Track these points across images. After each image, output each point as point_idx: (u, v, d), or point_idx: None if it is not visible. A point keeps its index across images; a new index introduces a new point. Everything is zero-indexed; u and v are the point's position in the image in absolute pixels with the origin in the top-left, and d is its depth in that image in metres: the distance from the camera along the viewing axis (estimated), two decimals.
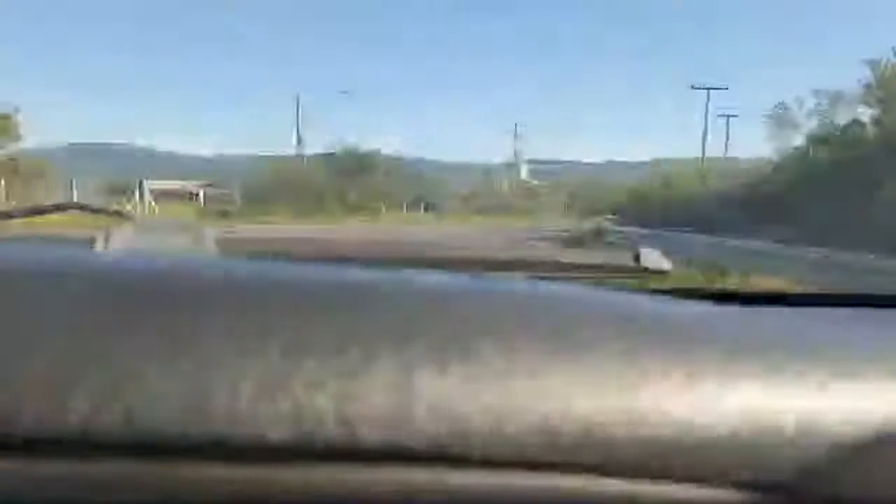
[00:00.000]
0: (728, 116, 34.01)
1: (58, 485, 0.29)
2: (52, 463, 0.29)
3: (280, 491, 0.30)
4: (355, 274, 0.39)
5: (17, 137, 22.60)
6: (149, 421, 0.29)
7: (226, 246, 0.59)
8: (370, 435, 0.30)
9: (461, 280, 0.40)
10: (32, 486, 0.29)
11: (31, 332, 0.30)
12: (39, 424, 0.28)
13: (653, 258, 0.62)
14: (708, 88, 34.55)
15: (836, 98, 18.25)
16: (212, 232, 0.59)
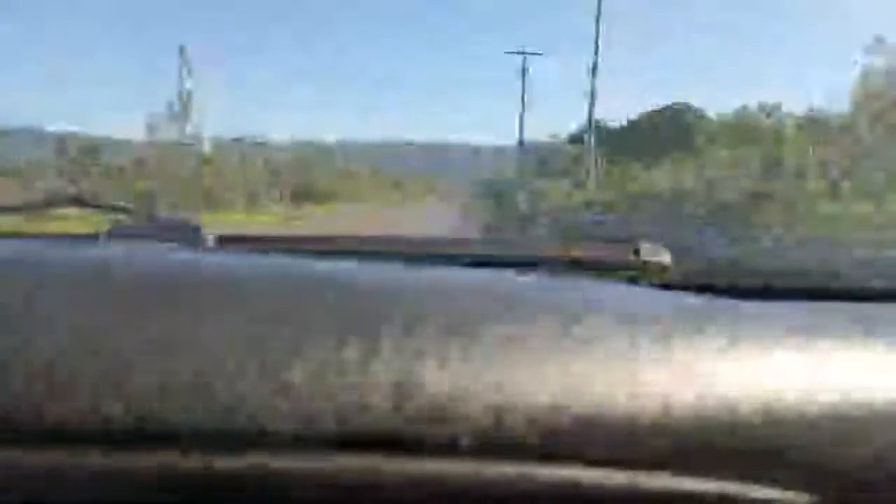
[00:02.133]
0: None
1: (57, 476, 0.29)
2: (51, 455, 0.29)
3: (280, 482, 0.30)
4: (354, 268, 0.39)
5: None
6: (147, 414, 0.29)
7: (224, 241, 0.59)
8: (369, 427, 0.30)
9: (462, 273, 0.40)
10: (31, 477, 0.29)
11: (32, 326, 0.30)
12: (39, 417, 0.29)
13: (653, 251, 0.62)
14: (524, 53, 28.82)
15: None
16: (211, 229, 0.59)
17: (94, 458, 0.29)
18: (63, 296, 0.32)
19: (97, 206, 0.91)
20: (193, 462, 0.29)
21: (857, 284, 0.59)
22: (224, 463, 0.29)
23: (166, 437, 0.29)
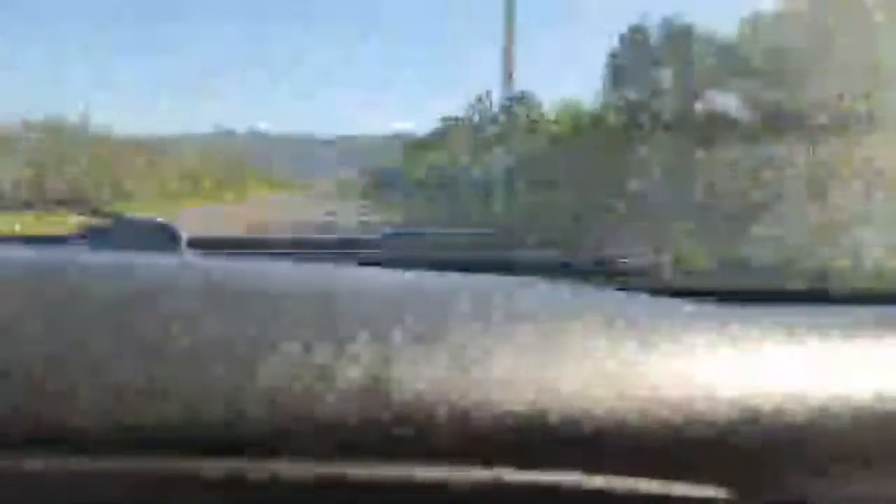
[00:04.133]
0: None
1: (34, 481, 0.29)
2: (29, 461, 0.29)
3: (252, 486, 0.30)
4: (328, 271, 0.39)
5: None
6: (122, 418, 0.29)
7: (199, 244, 0.59)
8: (343, 432, 0.30)
9: (438, 278, 0.40)
10: (9, 484, 0.29)
11: (9, 334, 0.30)
12: (20, 423, 0.28)
13: (637, 257, 0.63)
14: None
15: None
16: (185, 232, 0.59)
17: (70, 464, 0.29)
18: (39, 301, 0.32)
19: (81, 209, 0.91)
20: (165, 465, 0.29)
21: (849, 287, 0.59)
22: (196, 466, 0.29)
23: (137, 441, 0.29)
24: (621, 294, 0.43)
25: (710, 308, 0.41)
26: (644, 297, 0.43)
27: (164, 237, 0.59)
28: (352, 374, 0.30)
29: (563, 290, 0.42)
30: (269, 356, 0.30)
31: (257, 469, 0.29)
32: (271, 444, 0.29)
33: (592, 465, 0.31)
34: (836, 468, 0.35)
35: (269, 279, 0.37)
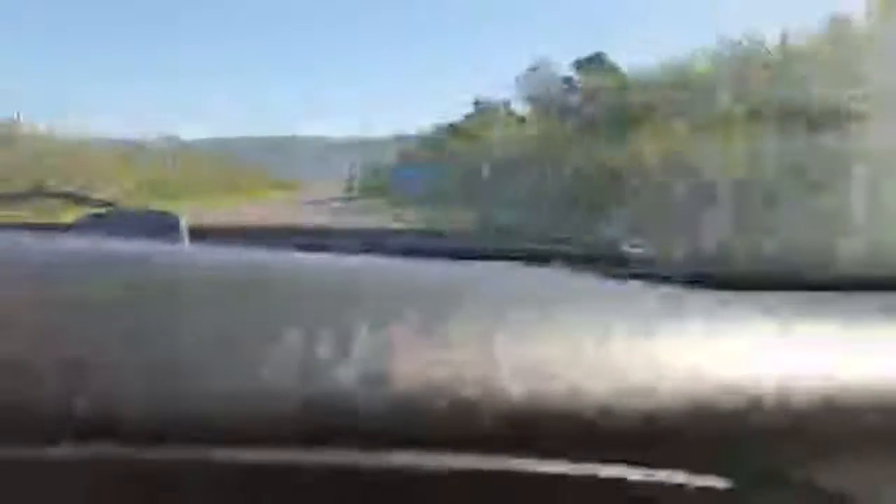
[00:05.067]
0: None
1: (24, 471, 0.29)
2: (21, 450, 0.28)
3: (254, 475, 0.30)
4: (329, 260, 0.39)
5: None
6: (114, 407, 0.29)
7: (201, 233, 0.59)
8: (338, 421, 0.30)
9: (431, 267, 0.40)
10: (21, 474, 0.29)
11: (12, 323, 0.30)
12: (10, 412, 0.28)
13: (632, 244, 0.63)
14: None
15: None
16: (185, 220, 0.59)
17: (69, 454, 0.28)
18: (30, 289, 0.32)
19: (81, 199, 0.91)
20: (162, 455, 0.29)
21: (842, 275, 0.59)
22: (192, 456, 0.29)
23: (129, 430, 0.29)
24: (623, 282, 0.43)
25: (711, 295, 0.41)
26: (647, 286, 0.43)
27: (165, 226, 0.58)
28: (353, 363, 0.30)
29: (565, 279, 0.42)
30: (270, 346, 0.30)
31: (259, 458, 0.29)
32: (273, 433, 0.29)
33: (592, 454, 0.31)
34: (836, 457, 0.35)
35: (270, 268, 0.37)
